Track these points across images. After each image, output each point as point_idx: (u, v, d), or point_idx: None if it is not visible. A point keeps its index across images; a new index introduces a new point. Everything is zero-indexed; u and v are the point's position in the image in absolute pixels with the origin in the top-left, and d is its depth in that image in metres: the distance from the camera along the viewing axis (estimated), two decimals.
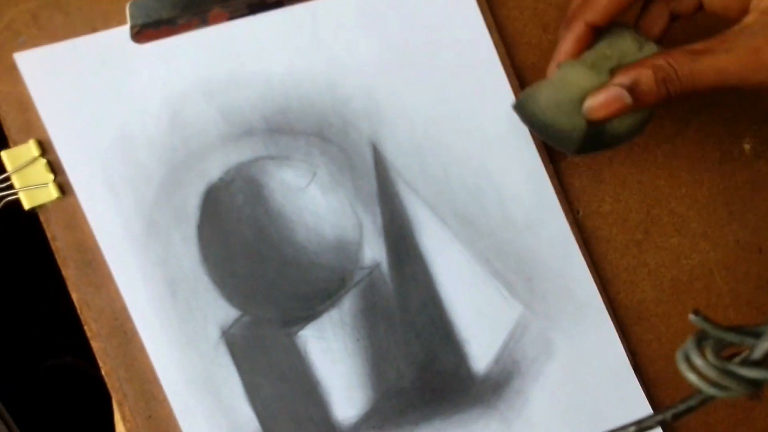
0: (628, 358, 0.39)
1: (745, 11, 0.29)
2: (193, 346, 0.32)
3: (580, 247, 0.39)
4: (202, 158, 0.34)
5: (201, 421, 0.32)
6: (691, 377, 0.20)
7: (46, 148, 0.32)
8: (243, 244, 0.34)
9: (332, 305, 0.35)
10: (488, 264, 0.38)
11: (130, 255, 0.32)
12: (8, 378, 0.77)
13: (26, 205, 0.32)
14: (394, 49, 0.37)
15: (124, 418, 0.31)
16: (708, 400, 0.21)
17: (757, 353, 0.21)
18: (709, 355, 0.21)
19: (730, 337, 0.21)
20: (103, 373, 0.31)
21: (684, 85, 0.29)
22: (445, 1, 0.37)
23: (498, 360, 0.37)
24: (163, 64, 0.34)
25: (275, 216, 0.35)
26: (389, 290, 0.36)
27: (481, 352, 0.37)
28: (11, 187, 0.32)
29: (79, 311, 0.32)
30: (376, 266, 0.36)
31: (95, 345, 0.31)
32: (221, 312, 0.33)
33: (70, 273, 0.32)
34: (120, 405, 0.31)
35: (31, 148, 0.32)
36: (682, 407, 0.21)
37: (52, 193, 0.32)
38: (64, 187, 0.32)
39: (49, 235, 0.32)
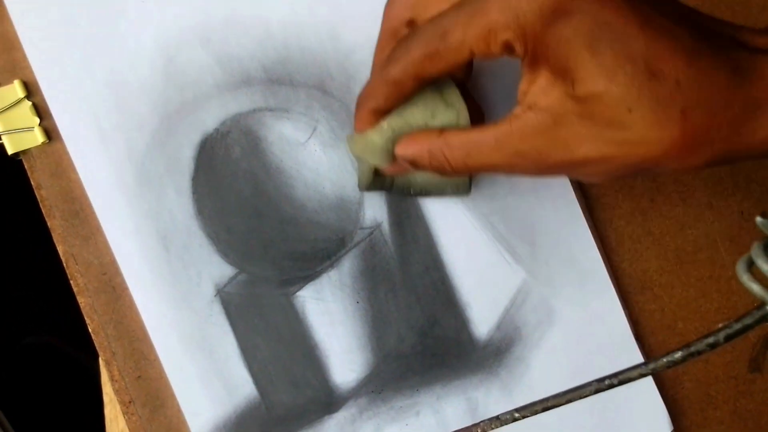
0: (630, 327, 0.38)
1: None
2: (187, 304, 0.31)
3: (585, 213, 0.38)
4: (198, 107, 0.32)
5: (194, 382, 0.30)
6: (755, 287, 0.19)
7: (32, 90, 0.30)
8: (239, 199, 0.33)
9: (331, 266, 0.34)
10: (491, 228, 0.37)
11: (120, 206, 0.30)
12: None
13: (10, 150, 0.30)
14: None
15: (112, 378, 0.29)
16: None
17: None
18: None
19: None
20: (90, 330, 0.30)
21: (458, 171, 0.28)
22: None
23: (500, 326, 0.36)
24: (157, 6, 0.32)
25: (273, 171, 0.33)
26: (390, 252, 0.35)
27: (482, 318, 0.36)
28: None
29: (65, 264, 0.30)
30: (377, 227, 0.35)
31: (82, 300, 0.30)
32: (216, 269, 0.31)
33: (56, 224, 0.30)
34: (108, 364, 0.29)
35: (15, 89, 0.30)
36: (737, 326, 0.19)
37: (38, 137, 0.30)
38: (50, 132, 0.30)
39: (33, 183, 0.30)
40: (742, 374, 0.41)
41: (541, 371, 0.36)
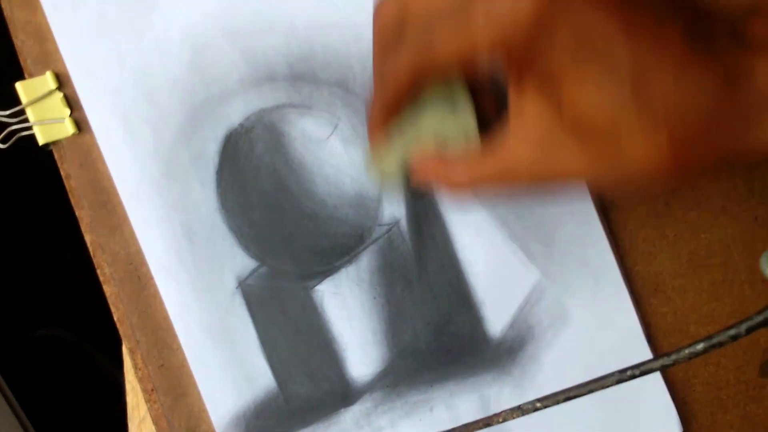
0: (642, 330, 0.39)
1: None
2: (209, 295, 0.31)
3: (600, 215, 0.39)
4: (223, 102, 0.33)
5: (215, 372, 0.31)
6: None
7: (63, 82, 0.31)
8: (261, 193, 0.33)
9: (350, 261, 0.34)
10: (508, 227, 0.37)
11: (146, 197, 0.31)
12: None
13: (41, 140, 0.30)
14: None
15: (135, 366, 0.30)
16: None
17: None
18: None
19: None
20: (115, 319, 0.30)
21: (466, 200, 0.29)
22: None
23: (513, 325, 0.37)
24: (185, 1, 0.33)
25: (295, 166, 0.34)
26: (407, 249, 0.35)
27: (496, 316, 0.36)
28: (26, 121, 0.30)
29: (92, 254, 0.31)
30: (395, 223, 0.35)
31: (107, 290, 0.30)
32: (238, 261, 0.32)
33: (84, 214, 0.31)
34: (132, 353, 0.30)
35: (47, 80, 0.30)
36: (758, 318, 0.20)
37: (69, 128, 0.30)
38: (80, 124, 0.31)
39: (63, 173, 0.31)
40: (752, 379, 0.41)
41: (554, 370, 0.37)
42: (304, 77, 0.35)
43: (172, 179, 0.31)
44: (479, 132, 0.29)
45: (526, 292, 0.37)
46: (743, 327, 0.20)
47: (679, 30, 0.22)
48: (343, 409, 0.33)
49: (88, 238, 0.30)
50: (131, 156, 0.31)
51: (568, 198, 0.38)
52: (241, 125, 0.33)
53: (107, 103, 0.31)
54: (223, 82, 0.33)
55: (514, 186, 0.27)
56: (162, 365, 0.30)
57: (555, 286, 0.37)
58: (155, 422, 0.29)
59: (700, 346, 0.20)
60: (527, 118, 0.25)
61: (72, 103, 0.31)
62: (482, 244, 0.36)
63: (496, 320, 0.36)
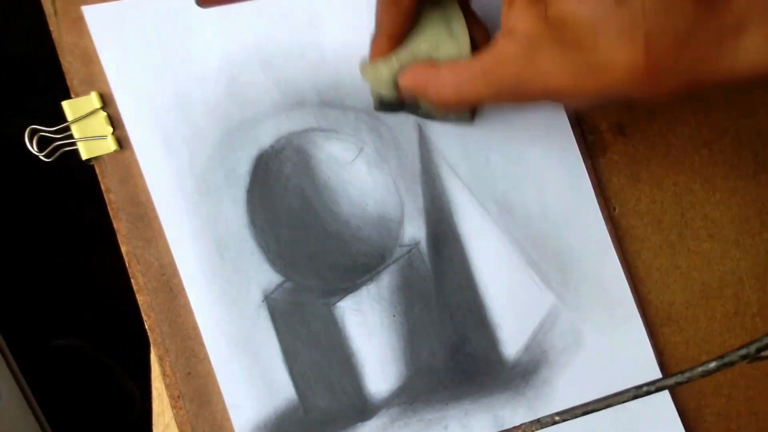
0: (655, 358, 0.39)
1: None
2: (237, 307, 0.33)
3: (615, 243, 0.40)
4: (255, 125, 0.35)
5: (239, 382, 0.32)
6: None
7: (107, 102, 0.33)
8: (288, 212, 0.35)
9: (371, 279, 0.35)
10: (524, 252, 0.38)
11: (181, 212, 0.32)
12: (15, 354, 0.77)
13: (84, 156, 0.32)
14: None
15: (164, 373, 0.31)
16: None
17: None
18: None
19: None
20: (146, 326, 0.32)
21: (451, 104, 0.29)
22: None
23: (528, 348, 0.37)
24: (223, 29, 0.35)
25: (321, 187, 0.36)
26: (427, 270, 0.37)
27: (512, 339, 0.37)
28: (70, 137, 0.32)
29: (127, 264, 0.32)
30: (416, 245, 0.37)
31: (141, 299, 0.32)
32: (265, 276, 0.33)
33: (121, 226, 0.32)
34: (161, 360, 0.31)
35: (92, 100, 0.32)
36: (767, 339, 0.20)
37: (111, 145, 0.32)
38: (121, 141, 0.33)
39: (103, 187, 0.32)
40: (763, 410, 0.42)
41: (567, 395, 0.37)
42: (332, 103, 0.36)
43: (205, 196, 0.33)
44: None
45: (541, 316, 0.38)
46: (753, 347, 0.21)
47: None
48: (360, 424, 0.34)
49: (124, 249, 0.32)
50: (168, 173, 0.33)
51: (583, 224, 0.39)
52: (272, 147, 0.35)
53: (148, 123, 0.33)
54: (256, 106, 0.35)
55: (496, 87, 0.27)
56: (189, 373, 0.31)
57: (570, 311, 0.38)
58: (180, 428, 0.30)
59: (712, 365, 0.21)
60: (516, 22, 0.26)
61: (114, 121, 0.32)
62: (499, 267, 0.38)
63: (511, 343, 0.37)
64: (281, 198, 0.35)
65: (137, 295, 0.31)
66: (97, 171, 0.32)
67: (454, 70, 0.29)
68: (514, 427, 0.24)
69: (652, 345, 0.39)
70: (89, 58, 0.33)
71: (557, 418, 0.23)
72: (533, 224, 0.38)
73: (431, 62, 0.30)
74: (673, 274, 0.42)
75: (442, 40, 0.31)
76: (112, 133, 0.32)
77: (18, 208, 0.79)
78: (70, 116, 0.32)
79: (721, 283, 0.43)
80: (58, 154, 0.32)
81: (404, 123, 0.37)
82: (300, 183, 0.35)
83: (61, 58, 0.33)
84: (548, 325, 0.38)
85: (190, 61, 0.34)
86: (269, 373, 0.33)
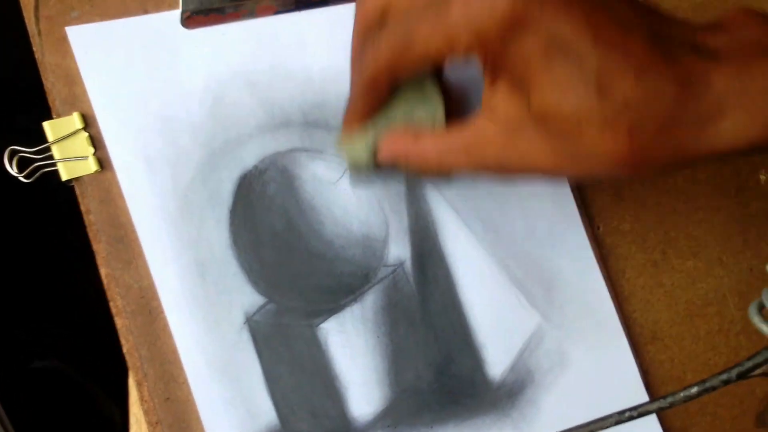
0: (641, 377, 0.39)
1: None
2: (217, 330, 0.32)
3: (599, 262, 0.40)
4: (239, 145, 0.35)
5: (219, 407, 0.32)
6: (765, 328, 0.20)
7: (89, 122, 0.32)
8: (272, 233, 0.34)
9: (355, 300, 0.35)
10: (509, 271, 0.38)
11: (162, 233, 0.32)
12: None
13: (64, 176, 0.32)
14: None
15: (141, 399, 0.31)
16: None
17: None
18: None
19: None
20: (124, 350, 0.31)
21: (434, 174, 0.30)
22: None
23: (513, 368, 0.37)
24: (209, 50, 0.35)
25: (305, 207, 0.35)
26: (411, 290, 0.36)
27: (497, 359, 0.37)
28: (50, 158, 0.32)
29: (105, 287, 0.32)
30: (400, 265, 0.36)
31: (119, 322, 0.31)
32: (247, 298, 0.33)
33: (100, 248, 0.32)
34: (139, 385, 0.31)
35: (74, 121, 0.32)
36: (748, 364, 0.20)
37: (91, 166, 0.32)
38: (102, 162, 0.32)
39: (83, 208, 0.32)
40: (748, 429, 0.42)
41: (552, 415, 0.37)
42: (317, 123, 0.36)
43: (187, 217, 0.33)
44: (446, 123, 0.30)
45: (526, 336, 0.38)
46: (734, 372, 0.21)
47: (642, 36, 0.24)
48: None
49: (102, 272, 0.32)
50: (150, 193, 0.32)
51: (568, 243, 0.39)
52: (256, 167, 0.35)
53: (130, 144, 0.33)
54: (240, 127, 0.35)
55: (479, 164, 0.28)
56: (168, 398, 0.31)
57: (555, 330, 0.38)
58: None
59: (694, 390, 0.21)
60: (498, 106, 0.26)
61: (96, 142, 0.32)
62: (484, 287, 0.37)
63: (496, 363, 0.37)
64: (265, 218, 0.35)
65: (115, 319, 0.31)
66: (77, 192, 0.32)
67: (435, 142, 0.29)
68: None
69: (637, 364, 0.39)
70: (72, 79, 0.33)
71: None
72: (518, 244, 0.38)
73: (409, 130, 0.30)
74: (657, 292, 0.42)
75: (416, 105, 0.30)
76: (93, 154, 0.32)
77: None
78: (51, 137, 0.32)
79: (705, 301, 0.43)
80: (38, 174, 0.32)
81: None
82: (284, 203, 0.35)
83: (43, 79, 0.33)
84: (533, 345, 0.38)
85: (174, 82, 0.34)
86: (250, 397, 0.32)
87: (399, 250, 0.37)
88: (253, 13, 0.35)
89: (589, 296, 0.39)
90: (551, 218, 0.39)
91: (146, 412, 0.30)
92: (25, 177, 0.32)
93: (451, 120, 0.30)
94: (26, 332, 0.85)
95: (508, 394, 0.37)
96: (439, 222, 0.37)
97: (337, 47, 0.37)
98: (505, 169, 0.27)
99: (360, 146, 0.31)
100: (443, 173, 0.29)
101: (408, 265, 0.37)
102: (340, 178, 0.36)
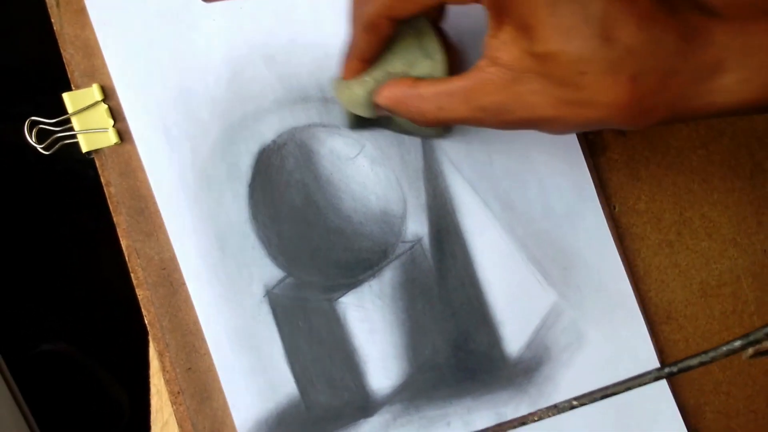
0: (657, 355, 0.39)
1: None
2: (238, 302, 0.32)
3: (616, 241, 0.40)
4: (258, 120, 0.35)
5: (240, 377, 0.32)
6: None
7: (108, 94, 0.32)
8: (291, 207, 0.34)
9: (373, 275, 0.35)
10: (526, 249, 0.38)
11: (182, 206, 0.32)
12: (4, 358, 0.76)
13: (84, 148, 0.32)
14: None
15: (163, 369, 0.31)
16: None
17: None
18: None
19: None
20: (146, 321, 0.31)
21: (430, 122, 0.29)
22: None
23: (530, 345, 0.37)
24: (227, 24, 0.34)
25: (323, 183, 0.35)
26: (429, 266, 0.36)
27: (514, 336, 0.37)
28: (70, 130, 0.32)
29: (126, 258, 0.32)
30: (418, 241, 0.36)
31: (140, 293, 0.31)
32: (266, 271, 0.33)
33: (121, 219, 0.32)
34: (161, 355, 0.31)
35: (93, 92, 0.32)
36: (759, 334, 0.20)
37: (111, 138, 0.32)
38: (122, 134, 0.32)
39: (103, 180, 0.32)
40: (761, 408, 0.42)
41: (569, 392, 0.37)
42: (335, 99, 0.36)
43: (207, 190, 0.33)
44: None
45: (543, 313, 0.38)
46: (752, 336, 0.21)
47: None
48: (362, 420, 0.33)
49: (124, 243, 0.32)
50: (169, 166, 0.32)
51: (585, 222, 0.39)
52: (274, 142, 0.35)
53: (149, 116, 0.32)
54: (258, 101, 0.35)
55: (477, 109, 0.27)
56: (189, 368, 0.31)
57: (572, 309, 0.38)
58: (180, 424, 0.30)
59: (737, 344, 0.21)
60: (501, 51, 0.26)
61: (115, 114, 0.32)
62: (502, 264, 0.37)
63: (513, 340, 0.37)
64: (283, 193, 0.34)
65: (137, 290, 0.31)
66: (97, 164, 0.32)
67: (434, 88, 0.29)
68: (530, 414, 0.24)
69: (653, 343, 0.39)
70: (91, 51, 0.32)
71: (575, 402, 0.23)
72: (535, 222, 0.38)
73: (409, 79, 0.30)
74: (672, 272, 0.42)
75: (416, 59, 0.31)
76: (113, 126, 0.32)
77: (8, 209, 0.78)
78: (70, 108, 0.32)
79: (719, 282, 0.43)
80: (57, 146, 0.32)
81: None
82: (302, 178, 0.35)
83: (62, 50, 0.32)
84: (550, 323, 0.38)
85: (192, 55, 0.34)
86: (270, 368, 0.32)
87: (417, 226, 0.37)
88: None
89: (605, 276, 0.39)
90: (569, 197, 0.39)
91: (168, 382, 0.30)
92: (44, 149, 0.32)
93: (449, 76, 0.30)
94: (33, 316, 0.85)
95: (525, 370, 0.37)
96: (456, 199, 0.37)
97: None
98: (504, 115, 0.27)
99: (357, 92, 0.31)
100: (440, 120, 0.29)
101: (426, 241, 0.36)
102: (358, 154, 0.36)
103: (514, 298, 0.37)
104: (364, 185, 0.36)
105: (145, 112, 0.32)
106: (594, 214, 0.39)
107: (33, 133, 0.31)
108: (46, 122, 0.31)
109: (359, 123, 0.35)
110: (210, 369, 0.31)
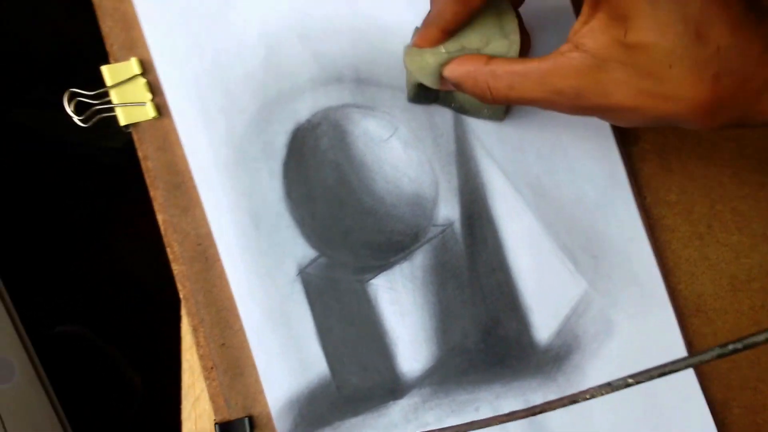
0: (685, 347, 0.39)
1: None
2: (272, 280, 0.32)
3: (647, 232, 0.39)
4: (293, 98, 0.35)
5: (273, 354, 0.32)
6: None
7: (146, 68, 0.32)
8: (324, 187, 0.34)
9: (404, 258, 0.35)
10: (557, 237, 0.38)
11: (218, 182, 0.32)
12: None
13: (122, 122, 0.32)
14: None
15: (197, 344, 0.31)
16: None
17: None
18: None
19: None
20: (181, 296, 0.31)
21: (498, 101, 0.30)
22: None
23: (560, 332, 0.37)
24: (263, 3, 0.34)
25: (357, 164, 0.35)
26: (460, 250, 0.36)
27: (543, 323, 0.37)
28: (108, 102, 0.32)
29: (163, 233, 0.32)
30: (450, 225, 0.36)
31: (176, 268, 0.31)
32: (300, 250, 0.33)
33: (158, 194, 0.32)
34: (195, 330, 0.31)
35: (132, 66, 0.32)
36: None
37: (149, 112, 0.32)
38: (160, 108, 0.32)
39: (141, 154, 0.32)
40: None
41: (598, 381, 0.37)
42: (369, 80, 0.36)
43: (242, 167, 0.33)
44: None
45: (573, 301, 0.38)
46: None
47: None
48: (392, 402, 0.33)
49: (160, 218, 0.32)
50: (206, 142, 0.32)
51: (617, 212, 0.39)
52: (309, 121, 0.35)
53: (187, 91, 0.32)
54: (294, 79, 0.35)
55: (552, 92, 0.28)
56: (223, 344, 0.31)
57: (602, 297, 0.38)
58: (212, 399, 0.30)
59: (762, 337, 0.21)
60: (588, 36, 0.27)
61: (153, 88, 0.32)
62: (532, 251, 0.37)
63: (543, 327, 0.37)
64: (317, 172, 0.34)
65: (172, 264, 0.31)
66: (135, 138, 0.32)
67: (509, 67, 0.29)
68: (581, 392, 0.24)
69: (682, 335, 0.39)
70: (129, 24, 0.32)
71: (630, 380, 0.23)
72: (566, 209, 0.38)
73: (484, 56, 0.30)
74: (702, 265, 0.42)
75: (493, 37, 0.31)
76: (152, 100, 0.32)
77: (24, 194, 0.78)
78: (109, 81, 0.32)
79: (749, 277, 0.42)
80: (95, 119, 0.32)
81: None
82: (336, 158, 0.35)
83: (100, 22, 0.32)
84: (580, 311, 0.38)
85: (229, 31, 0.34)
86: (303, 347, 0.32)
87: (448, 210, 0.36)
88: None
89: (636, 266, 0.39)
90: (601, 186, 0.39)
91: (201, 357, 0.30)
92: (83, 121, 0.32)
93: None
94: (49, 298, 0.85)
95: (554, 358, 0.37)
96: (488, 184, 0.37)
97: (389, 4, 0.36)
98: (579, 100, 0.27)
99: (428, 61, 0.31)
100: (507, 99, 0.29)
101: (457, 225, 0.36)
102: (391, 136, 0.36)
103: (545, 285, 0.37)
104: (397, 167, 0.36)
105: (182, 86, 0.32)
106: (625, 203, 0.39)
107: (72, 105, 0.31)
108: (85, 94, 0.31)
109: (419, 96, 0.35)
110: (243, 345, 0.31)
